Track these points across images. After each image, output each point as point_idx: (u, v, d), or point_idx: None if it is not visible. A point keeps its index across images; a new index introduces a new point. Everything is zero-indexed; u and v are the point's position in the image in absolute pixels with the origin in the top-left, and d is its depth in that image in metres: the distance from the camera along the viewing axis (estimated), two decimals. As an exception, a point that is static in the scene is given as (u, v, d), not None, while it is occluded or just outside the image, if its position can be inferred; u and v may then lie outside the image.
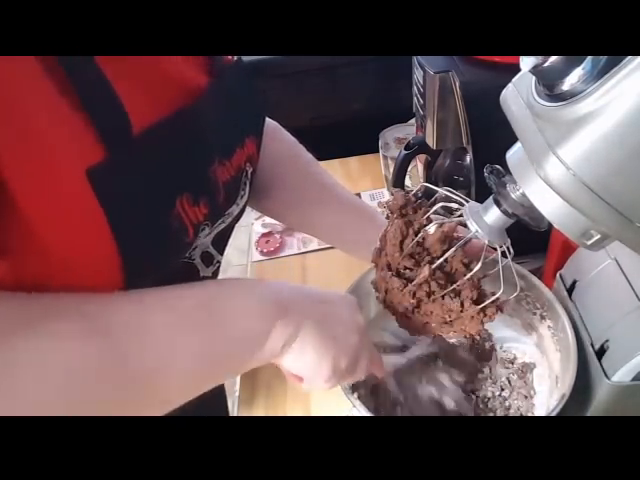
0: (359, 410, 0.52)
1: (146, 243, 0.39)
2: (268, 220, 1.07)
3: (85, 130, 0.34)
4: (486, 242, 0.46)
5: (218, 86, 0.46)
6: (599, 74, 0.31)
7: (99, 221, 0.35)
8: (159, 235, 0.40)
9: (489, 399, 0.62)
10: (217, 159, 0.47)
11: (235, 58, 0.51)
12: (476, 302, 0.47)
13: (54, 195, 0.34)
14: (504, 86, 0.40)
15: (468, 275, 0.46)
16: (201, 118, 0.44)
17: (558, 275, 0.63)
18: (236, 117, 0.49)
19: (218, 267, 0.52)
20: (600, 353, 0.53)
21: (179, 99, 0.42)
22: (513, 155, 0.41)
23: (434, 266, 0.46)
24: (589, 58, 0.31)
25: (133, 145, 0.37)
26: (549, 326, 0.61)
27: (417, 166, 1.06)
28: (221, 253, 0.52)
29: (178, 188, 0.41)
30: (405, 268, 0.48)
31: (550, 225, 0.39)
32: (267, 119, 0.58)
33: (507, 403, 0.62)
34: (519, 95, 0.38)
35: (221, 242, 0.51)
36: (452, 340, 0.65)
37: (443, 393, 0.60)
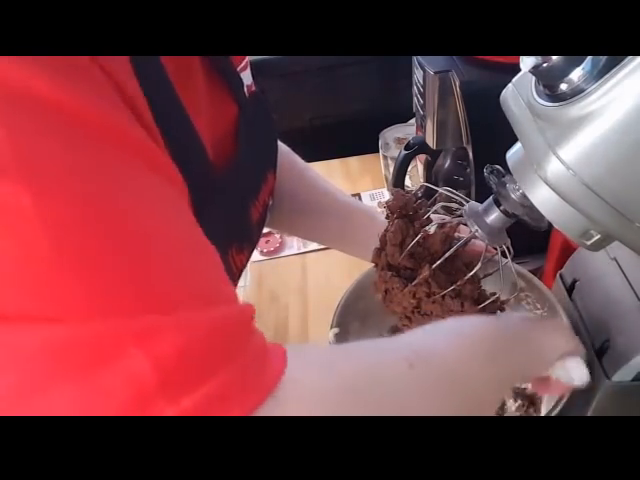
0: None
1: None
2: (268, 220, 1.07)
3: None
4: (486, 242, 0.46)
5: (244, 121, 0.46)
6: (599, 74, 0.31)
7: None
8: None
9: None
10: (251, 200, 0.46)
11: (253, 89, 0.50)
12: (476, 302, 0.47)
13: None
14: (504, 86, 0.40)
15: (468, 275, 0.46)
16: (240, 158, 0.44)
17: (558, 275, 0.63)
18: (259, 153, 0.49)
19: None
20: (600, 353, 0.53)
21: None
22: (513, 155, 0.41)
23: (434, 266, 0.46)
24: (589, 58, 0.31)
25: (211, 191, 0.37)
26: (549, 326, 0.61)
27: (417, 166, 1.06)
28: (235, 286, 0.52)
29: (229, 238, 0.42)
30: (405, 268, 0.48)
31: (550, 225, 0.39)
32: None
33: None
34: (519, 95, 0.38)
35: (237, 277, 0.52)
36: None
37: None
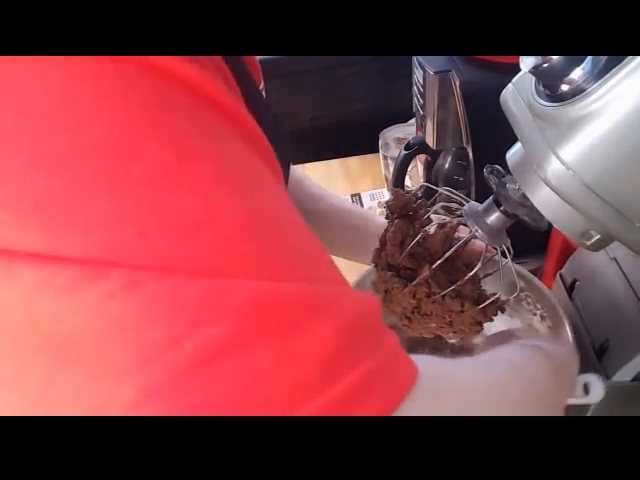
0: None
1: None
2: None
3: None
4: (486, 242, 0.46)
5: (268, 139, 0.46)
6: (599, 74, 0.31)
7: None
8: None
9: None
10: None
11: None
12: (476, 302, 0.47)
13: None
14: (504, 86, 0.40)
15: (468, 275, 0.46)
16: None
17: (558, 275, 0.63)
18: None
19: None
20: (600, 353, 0.53)
21: None
22: (513, 155, 0.41)
23: (434, 266, 0.46)
24: (589, 58, 0.31)
25: None
26: (549, 326, 0.61)
27: (417, 166, 1.06)
28: None
29: None
30: (405, 268, 0.48)
31: (550, 225, 0.39)
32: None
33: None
34: (519, 95, 0.38)
35: None
36: (452, 341, 0.65)
37: None
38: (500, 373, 0.36)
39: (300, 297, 0.23)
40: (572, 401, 0.48)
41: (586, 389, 0.48)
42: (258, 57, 0.53)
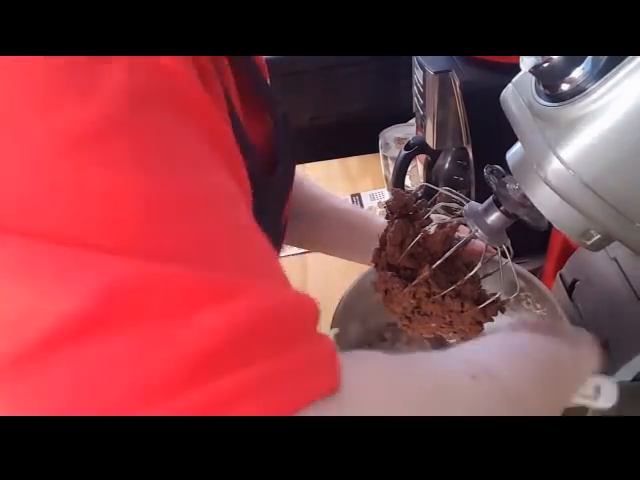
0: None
1: None
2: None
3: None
4: (486, 242, 0.46)
5: (277, 137, 0.47)
6: (599, 74, 0.31)
7: None
8: None
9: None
10: (279, 214, 0.48)
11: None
12: (476, 302, 0.47)
13: None
14: (504, 86, 0.40)
15: (468, 275, 0.46)
16: (277, 172, 0.45)
17: (558, 275, 0.63)
18: (285, 174, 0.50)
19: None
20: (600, 353, 0.53)
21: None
22: (513, 155, 0.41)
23: (434, 266, 0.46)
24: (589, 58, 0.31)
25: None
26: (549, 326, 0.61)
27: (417, 166, 1.06)
28: None
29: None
30: (405, 268, 0.48)
31: (550, 225, 0.39)
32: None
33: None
34: (519, 95, 0.38)
35: None
36: (452, 341, 0.65)
37: None
38: (456, 380, 0.32)
39: (187, 283, 0.20)
40: (580, 401, 0.45)
41: (598, 392, 0.46)
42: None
